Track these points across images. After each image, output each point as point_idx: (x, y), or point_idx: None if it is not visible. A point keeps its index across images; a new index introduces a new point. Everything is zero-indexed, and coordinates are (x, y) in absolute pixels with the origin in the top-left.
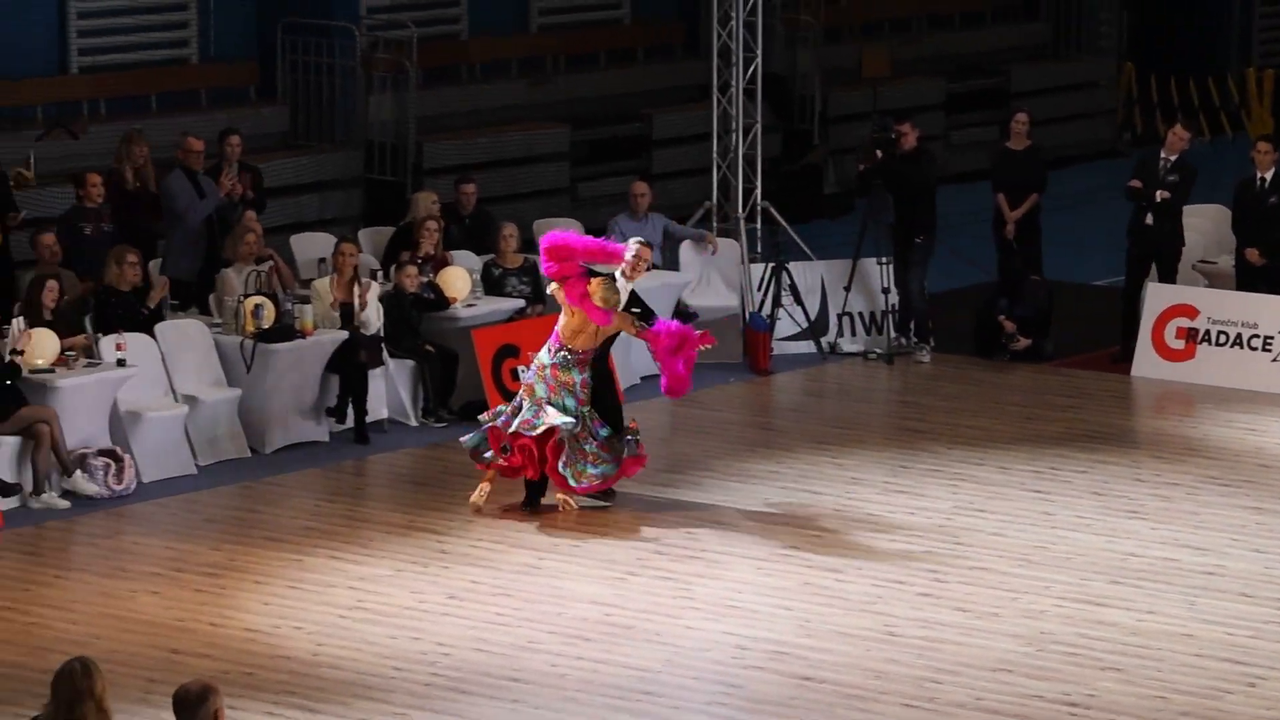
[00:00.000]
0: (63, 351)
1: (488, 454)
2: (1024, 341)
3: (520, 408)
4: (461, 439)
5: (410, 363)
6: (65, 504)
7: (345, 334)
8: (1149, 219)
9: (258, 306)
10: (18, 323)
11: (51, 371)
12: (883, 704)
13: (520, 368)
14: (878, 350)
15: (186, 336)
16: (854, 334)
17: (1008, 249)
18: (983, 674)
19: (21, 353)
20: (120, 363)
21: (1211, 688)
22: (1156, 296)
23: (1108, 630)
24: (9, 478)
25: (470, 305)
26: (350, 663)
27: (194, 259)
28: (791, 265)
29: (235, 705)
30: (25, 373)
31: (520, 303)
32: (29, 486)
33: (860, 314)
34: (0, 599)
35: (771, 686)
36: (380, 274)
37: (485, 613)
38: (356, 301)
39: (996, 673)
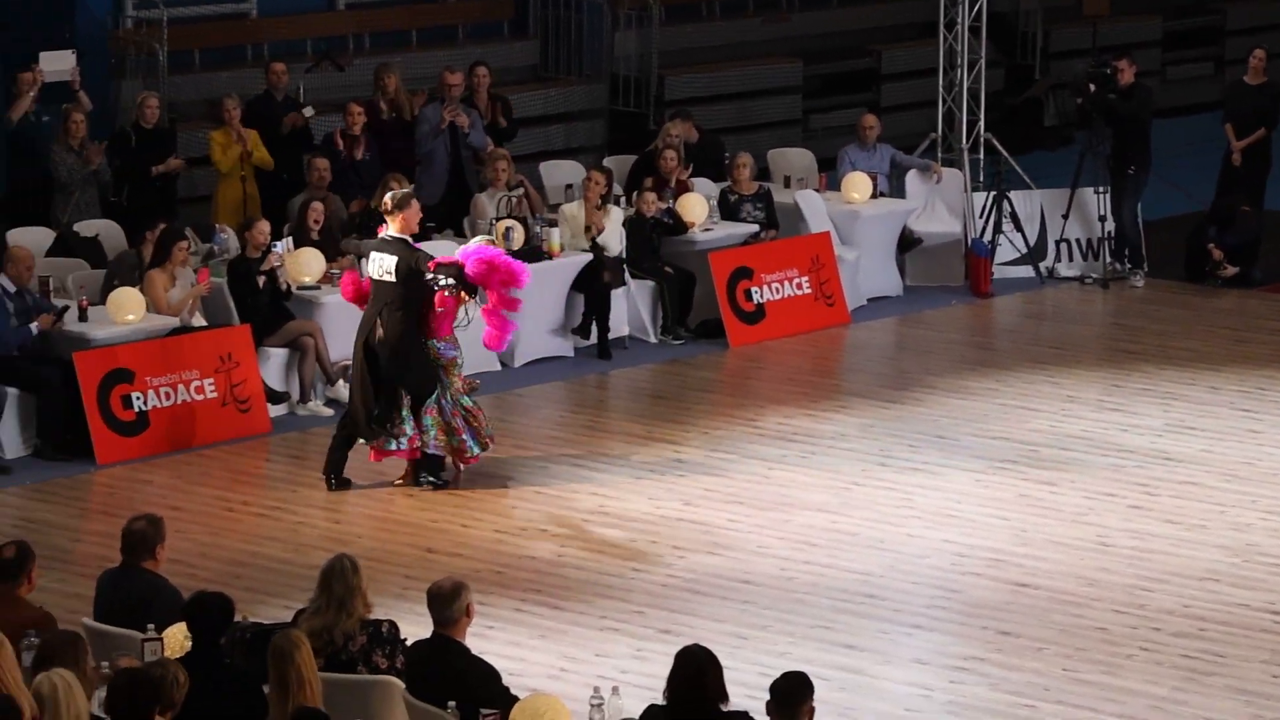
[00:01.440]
0: (328, 270)
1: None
2: (1231, 270)
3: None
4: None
5: (650, 283)
6: (329, 411)
7: (590, 256)
8: None
9: (509, 229)
10: (286, 242)
11: (317, 288)
12: (1094, 610)
13: None
14: (1094, 275)
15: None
16: (1071, 259)
17: (1229, 179)
18: (1190, 583)
19: (275, 269)
20: None
21: None
22: None
23: None
24: (278, 387)
25: (707, 229)
26: (592, 563)
27: (438, 185)
28: (1012, 194)
29: (485, 602)
30: (293, 289)
31: (754, 227)
32: (296, 395)
33: (1077, 240)
34: (270, 499)
35: (988, 592)
36: (623, 200)
37: (718, 518)
38: (603, 226)
39: (1204, 582)
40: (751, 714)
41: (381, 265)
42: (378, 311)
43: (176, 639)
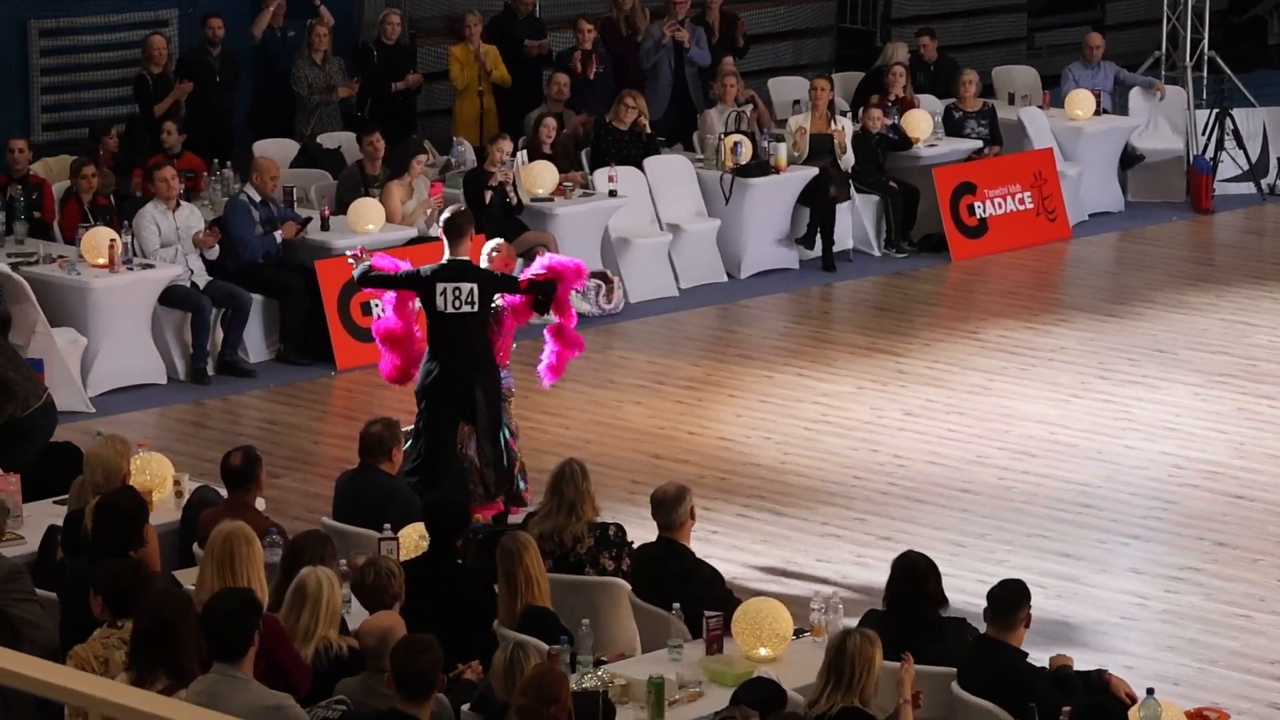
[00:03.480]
0: (561, 183)
1: None
2: None
3: None
4: None
5: (875, 197)
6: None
7: (816, 170)
8: None
9: (736, 144)
10: (521, 155)
11: (550, 200)
12: None
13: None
14: None
15: (672, 171)
16: None
17: None
18: None
19: (504, 184)
20: (612, 193)
21: None
22: None
23: None
24: None
25: (931, 145)
26: (814, 470)
27: (661, 101)
28: (1235, 111)
29: (709, 507)
30: (524, 203)
31: (978, 144)
32: None
33: None
34: None
35: (1205, 504)
36: (850, 115)
37: (939, 429)
38: (845, 144)
39: None
40: (969, 620)
41: (460, 295)
42: (466, 352)
43: (412, 539)
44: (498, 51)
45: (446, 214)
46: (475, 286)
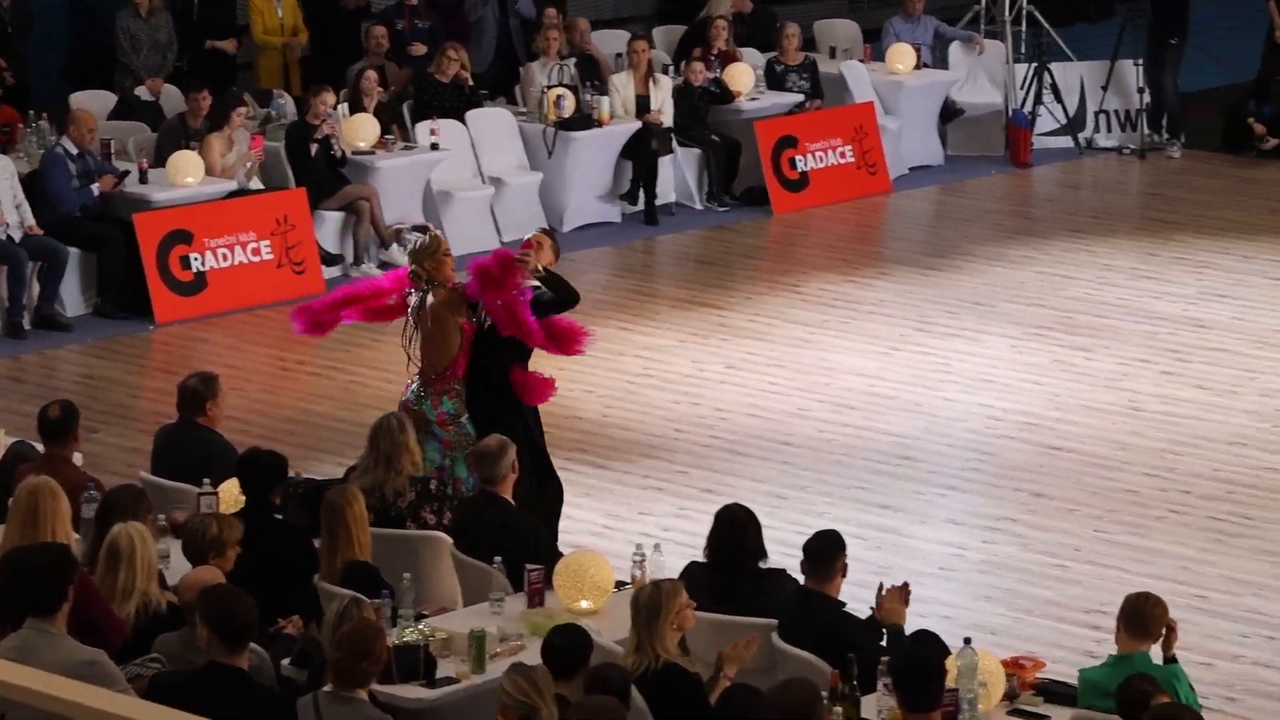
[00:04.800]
0: (382, 135)
1: None
2: (1272, 141)
3: None
4: None
5: (697, 151)
6: (381, 274)
7: (638, 124)
8: None
9: (560, 97)
10: (341, 109)
11: (372, 153)
12: (1125, 472)
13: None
14: (1131, 146)
15: (494, 124)
16: (1109, 130)
17: (1274, 54)
18: (1220, 447)
19: (330, 137)
20: (434, 146)
21: None
22: None
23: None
24: (333, 249)
25: (753, 99)
26: (636, 424)
27: (486, 53)
28: (1053, 65)
29: None
30: (347, 155)
31: (799, 97)
32: (350, 257)
33: (1116, 111)
34: (324, 359)
35: (1022, 454)
36: (671, 69)
37: (760, 381)
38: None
39: (1233, 446)
40: (789, 571)
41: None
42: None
43: (232, 494)
44: (295, 2)
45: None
46: None
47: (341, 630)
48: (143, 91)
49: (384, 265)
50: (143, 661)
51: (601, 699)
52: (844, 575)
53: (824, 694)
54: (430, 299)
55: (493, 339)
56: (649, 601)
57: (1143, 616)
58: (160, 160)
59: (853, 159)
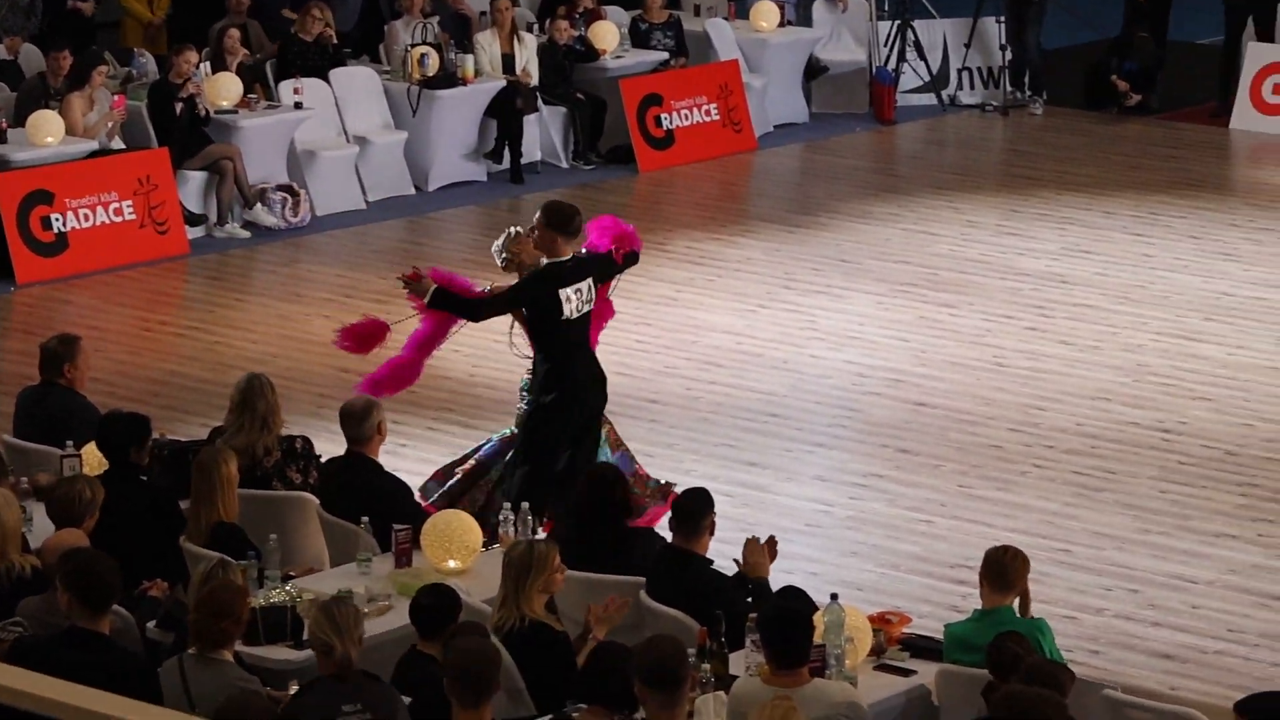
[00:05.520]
0: (245, 94)
1: None
2: (1136, 97)
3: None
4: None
5: (562, 109)
6: (246, 234)
7: (503, 82)
8: None
9: (424, 55)
10: (204, 67)
11: (235, 112)
12: (990, 428)
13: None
14: (994, 103)
15: (358, 83)
16: (972, 87)
17: (1135, 10)
18: (1083, 401)
19: (194, 96)
20: (298, 105)
21: None
22: (1255, 54)
23: (1200, 363)
24: (196, 209)
25: (618, 57)
26: (504, 383)
27: (352, 12)
28: (916, 23)
29: (398, 420)
30: (211, 114)
31: (664, 55)
32: (214, 217)
33: (978, 69)
34: (187, 320)
35: (888, 411)
36: (536, 27)
37: (627, 340)
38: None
39: (1096, 401)
40: (656, 530)
41: (582, 295)
42: (590, 355)
43: (95, 456)
44: None
45: (548, 206)
46: (592, 278)
47: (203, 591)
48: (1, 51)
49: (249, 225)
50: (4, 625)
51: (475, 641)
52: (711, 533)
53: (692, 651)
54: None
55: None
56: (521, 560)
57: (1003, 569)
58: (20, 120)
59: (718, 117)
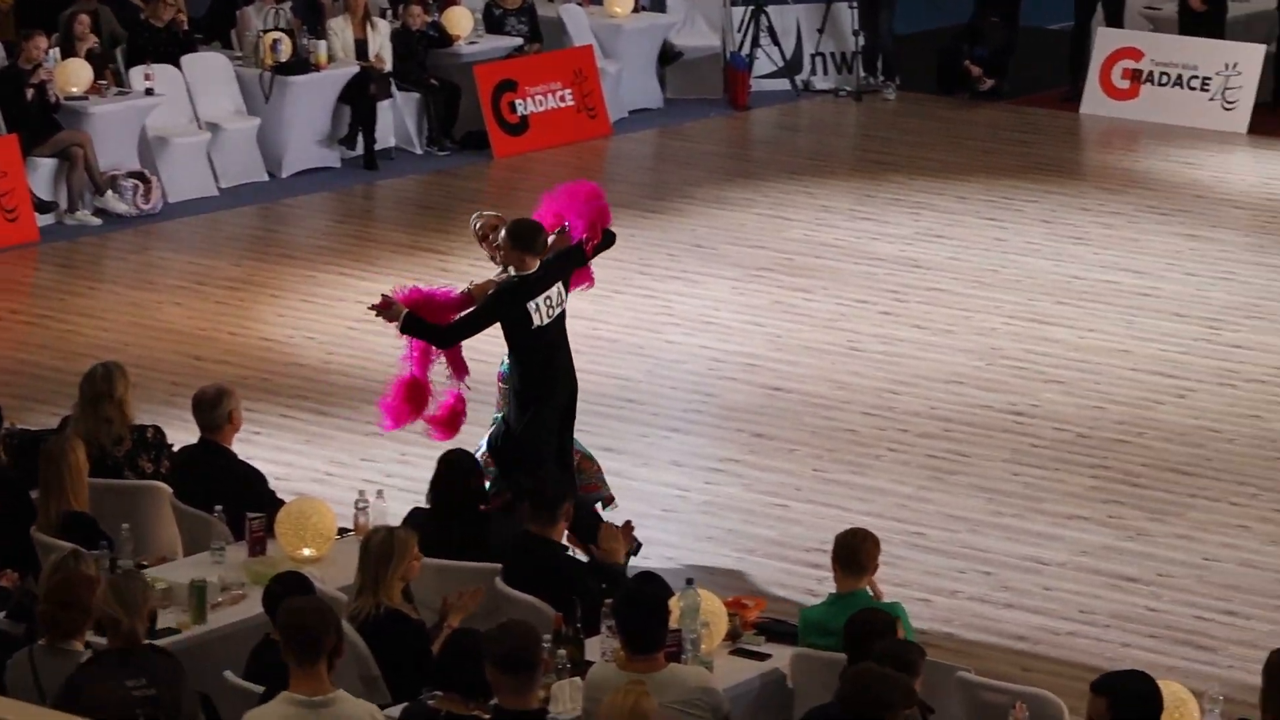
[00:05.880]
0: (96, 80)
1: None
2: (988, 82)
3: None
4: None
5: (416, 95)
6: (97, 221)
7: (356, 68)
8: None
9: (276, 41)
10: (54, 54)
11: (85, 99)
12: (845, 411)
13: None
14: (847, 88)
15: (210, 68)
16: (826, 73)
17: None
18: (937, 385)
19: (45, 82)
20: (149, 92)
21: (1145, 399)
22: (1104, 40)
23: (1052, 346)
24: (46, 196)
25: (472, 43)
26: (358, 370)
27: None
28: (770, 8)
29: (252, 408)
30: (61, 101)
31: (519, 41)
32: (64, 204)
33: (832, 54)
34: (38, 308)
35: (743, 396)
36: (389, 12)
37: None
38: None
39: (950, 384)
40: (513, 516)
41: (551, 301)
42: (567, 359)
43: None
44: None
45: (513, 227)
46: (560, 282)
47: (52, 580)
48: None
49: (100, 212)
50: None
51: (303, 599)
52: (569, 520)
53: (548, 637)
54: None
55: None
56: (380, 548)
57: (854, 552)
58: None
59: (572, 102)
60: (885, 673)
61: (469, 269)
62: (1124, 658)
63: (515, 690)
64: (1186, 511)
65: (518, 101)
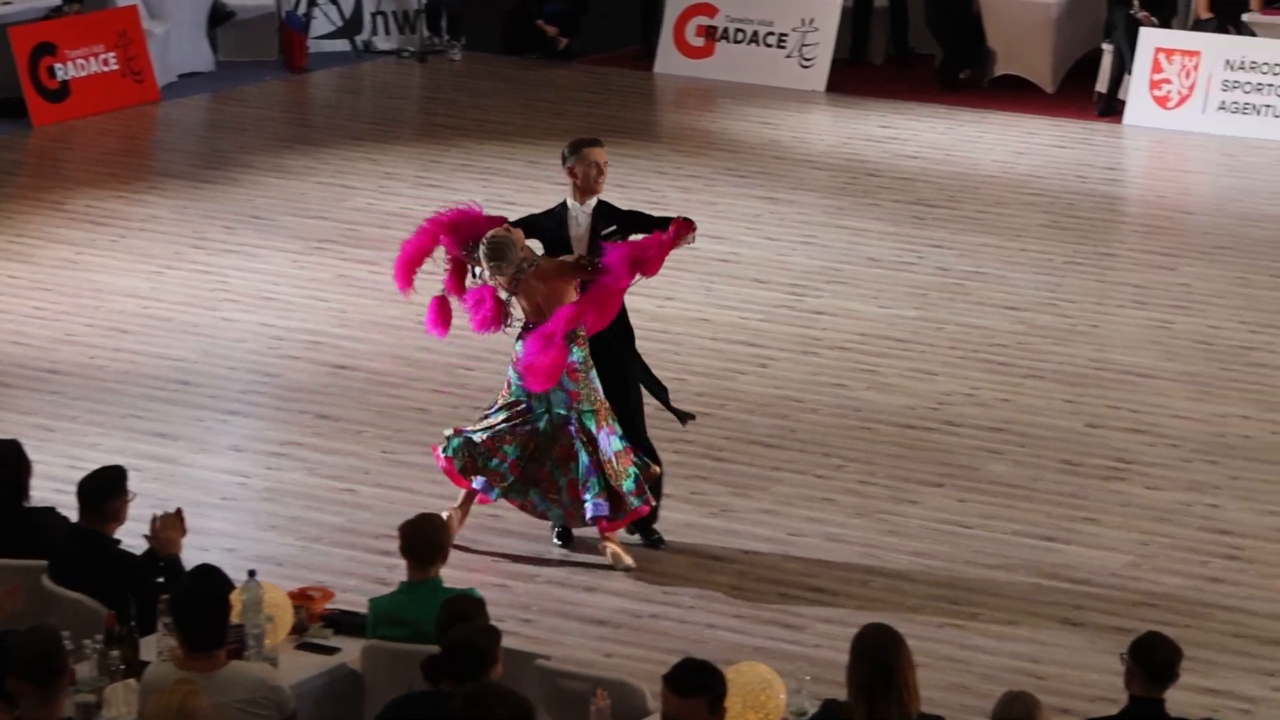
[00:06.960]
0: None
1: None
2: (565, 41)
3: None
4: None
5: None
6: None
7: None
8: None
9: None
10: None
11: None
12: (413, 389)
13: None
14: (411, 49)
15: None
16: (388, 33)
17: None
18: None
19: None
20: None
21: (726, 369)
22: None
23: (631, 316)
24: None
25: (7, 3)
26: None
27: None
28: None
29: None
30: None
31: (57, 1)
32: None
33: (394, 13)
34: None
35: (306, 375)
36: None
37: (24, 307)
38: None
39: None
40: (58, 509)
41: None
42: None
43: None
44: None
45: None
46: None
47: None
48: None
49: None
50: None
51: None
52: (124, 512)
53: (99, 637)
54: (532, 275)
55: None
56: None
57: (425, 539)
58: None
59: (117, 66)
60: (476, 625)
61: (7, 245)
62: (709, 639)
63: (40, 699)
64: (771, 485)
65: (57, 66)
